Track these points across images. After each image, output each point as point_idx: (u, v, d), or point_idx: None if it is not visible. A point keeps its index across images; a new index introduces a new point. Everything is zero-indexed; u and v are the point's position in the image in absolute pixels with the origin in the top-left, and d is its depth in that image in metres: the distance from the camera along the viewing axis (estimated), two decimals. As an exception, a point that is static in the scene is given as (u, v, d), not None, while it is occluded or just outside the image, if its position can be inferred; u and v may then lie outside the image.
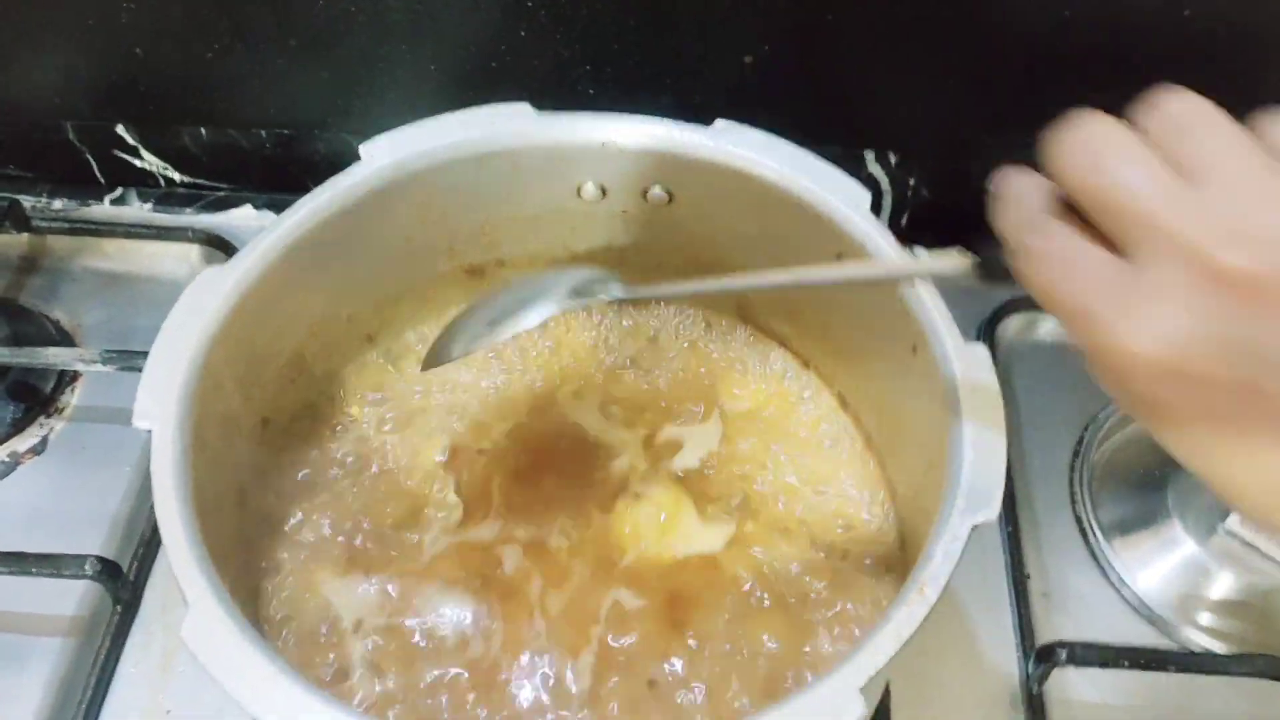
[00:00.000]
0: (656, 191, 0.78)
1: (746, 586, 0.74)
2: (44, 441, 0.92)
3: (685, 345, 0.87)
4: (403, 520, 0.76)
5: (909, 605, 0.56)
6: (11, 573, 0.78)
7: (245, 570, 0.70)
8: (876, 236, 0.70)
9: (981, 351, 0.65)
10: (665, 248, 0.82)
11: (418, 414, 0.81)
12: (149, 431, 0.61)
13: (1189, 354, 0.40)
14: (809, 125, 0.79)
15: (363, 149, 0.73)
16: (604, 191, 0.79)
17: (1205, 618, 0.85)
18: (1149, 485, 0.91)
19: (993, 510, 0.59)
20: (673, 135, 0.74)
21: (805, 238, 0.74)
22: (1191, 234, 0.40)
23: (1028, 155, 0.99)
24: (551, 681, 0.70)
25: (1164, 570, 0.87)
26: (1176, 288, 0.40)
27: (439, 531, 0.76)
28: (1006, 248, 0.48)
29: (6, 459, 0.91)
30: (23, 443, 0.92)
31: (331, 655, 0.70)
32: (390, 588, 0.73)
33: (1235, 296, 0.39)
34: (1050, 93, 0.95)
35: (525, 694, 0.69)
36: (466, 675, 0.70)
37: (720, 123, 0.75)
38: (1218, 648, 0.83)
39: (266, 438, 0.74)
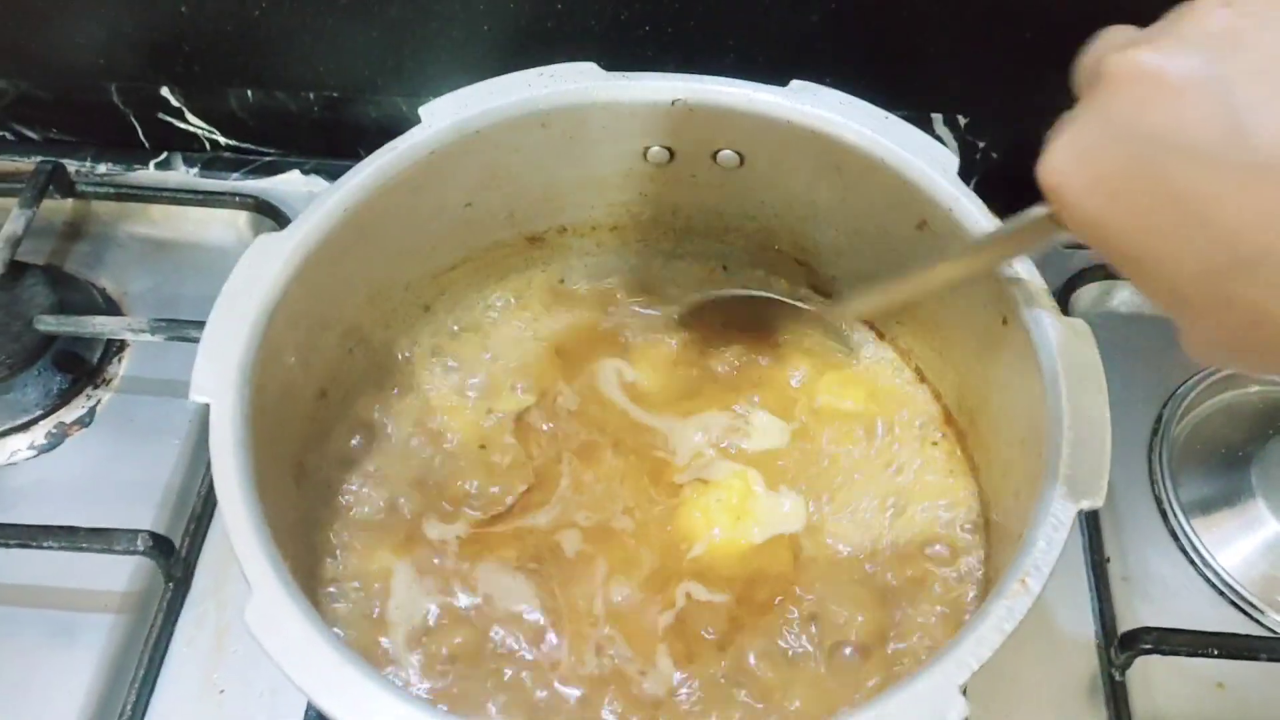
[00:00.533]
0: (727, 154, 0.75)
1: (824, 572, 0.71)
2: (91, 413, 0.90)
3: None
4: (461, 498, 0.73)
5: (1010, 598, 0.53)
6: (62, 547, 0.76)
7: (304, 547, 0.68)
8: (965, 201, 0.67)
9: (1082, 326, 0.62)
10: (735, 214, 0.79)
11: (479, 388, 0.79)
12: (206, 405, 0.58)
13: (1098, 162, 0.44)
14: (876, 86, 0.76)
15: (423, 110, 0.70)
16: (672, 154, 0.76)
17: (1292, 600, 0.81)
18: (1231, 462, 0.87)
19: (1099, 496, 0.56)
20: (746, 95, 0.71)
21: (886, 204, 0.70)
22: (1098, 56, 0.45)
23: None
24: (619, 674, 0.67)
25: (1247, 551, 0.84)
26: (1087, 109, 0.45)
27: (498, 510, 0.73)
28: None
29: (54, 431, 0.89)
30: (70, 414, 0.90)
31: (385, 638, 0.68)
32: (449, 566, 0.71)
33: (1120, 95, 0.43)
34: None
35: (591, 687, 0.67)
36: (528, 659, 0.67)
37: (796, 83, 0.71)
38: (1306, 633, 0.79)
39: (324, 410, 0.71)
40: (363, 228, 0.68)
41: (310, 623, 0.52)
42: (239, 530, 0.54)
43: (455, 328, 0.81)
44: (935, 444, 0.76)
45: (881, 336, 0.81)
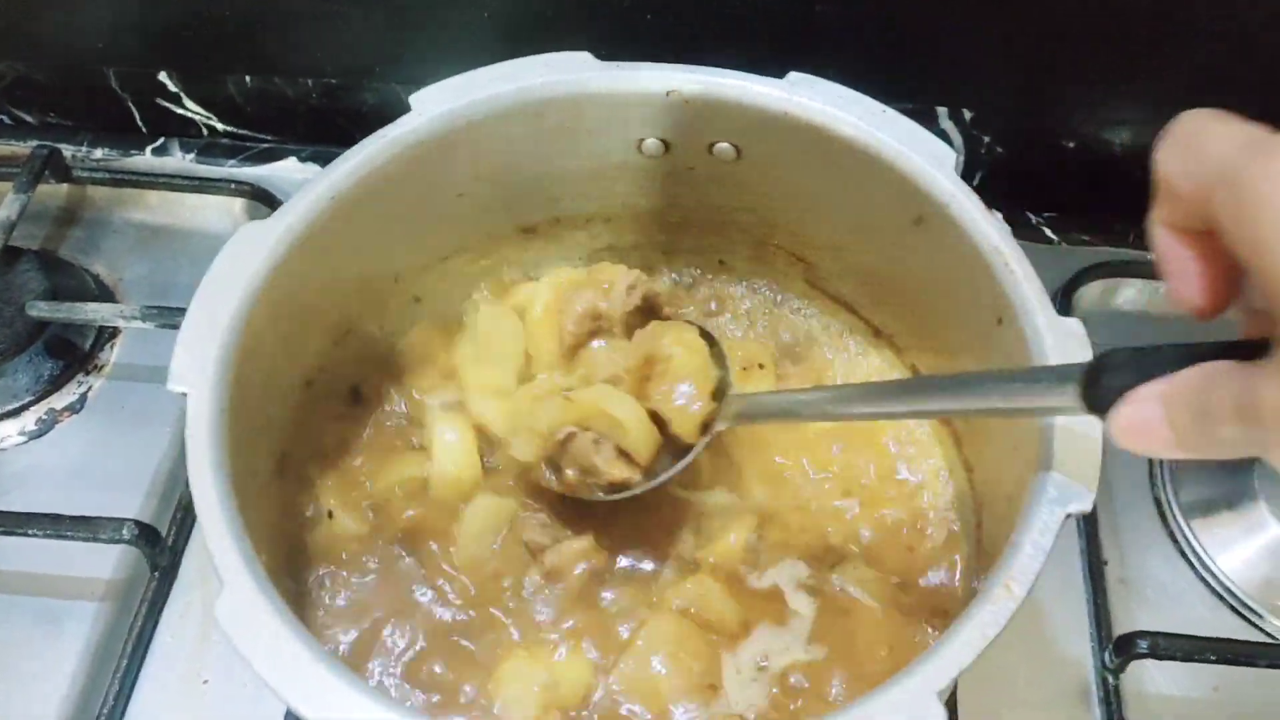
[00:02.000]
0: (723, 147, 0.74)
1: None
2: (82, 399, 0.90)
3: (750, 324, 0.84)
4: (446, 502, 0.73)
5: (994, 603, 0.52)
6: (48, 535, 0.76)
7: (283, 541, 0.67)
8: (962, 198, 0.65)
9: (1076, 327, 0.60)
10: (732, 208, 0.78)
11: (469, 383, 0.77)
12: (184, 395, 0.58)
13: None
14: (880, 79, 0.75)
15: (414, 99, 0.69)
16: (667, 146, 0.74)
17: (1292, 605, 0.80)
18: (1233, 465, 0.86)
19: (1087, 501, 0.54)
20: (742, 86, 0.70)
21: (883, 198, 0.69)
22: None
23: (1103, 113, 0.96)
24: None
25: (1248, 555, 0.82)
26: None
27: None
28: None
29: (44, 416, 0.88)
30: (61, 400, 0.89)
31: (355, 631, 0.68)
32: (423, 568, 0.70)
33: None
34: (1129, 50, 0.91)
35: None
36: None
37: (794, 75, 0.70)
38: (1308, 639, 0.78)
39: (310, 402, 0.71)
40: (350, 217, 0.67)
41: (282, 619, 0.51)
42: (212, 524, 0.53)
43: (447, 322, 0.80)
44: (927, 445, 0.75)
45: (878, 334, 0.80)
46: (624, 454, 0.68)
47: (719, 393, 0.69)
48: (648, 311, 0.75)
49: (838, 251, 0.76)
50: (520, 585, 0.69)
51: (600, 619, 0.69)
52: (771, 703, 0.66)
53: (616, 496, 0.68)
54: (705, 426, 0.68)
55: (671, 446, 0.69)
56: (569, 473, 0.68)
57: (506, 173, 0.74)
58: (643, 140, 0.74)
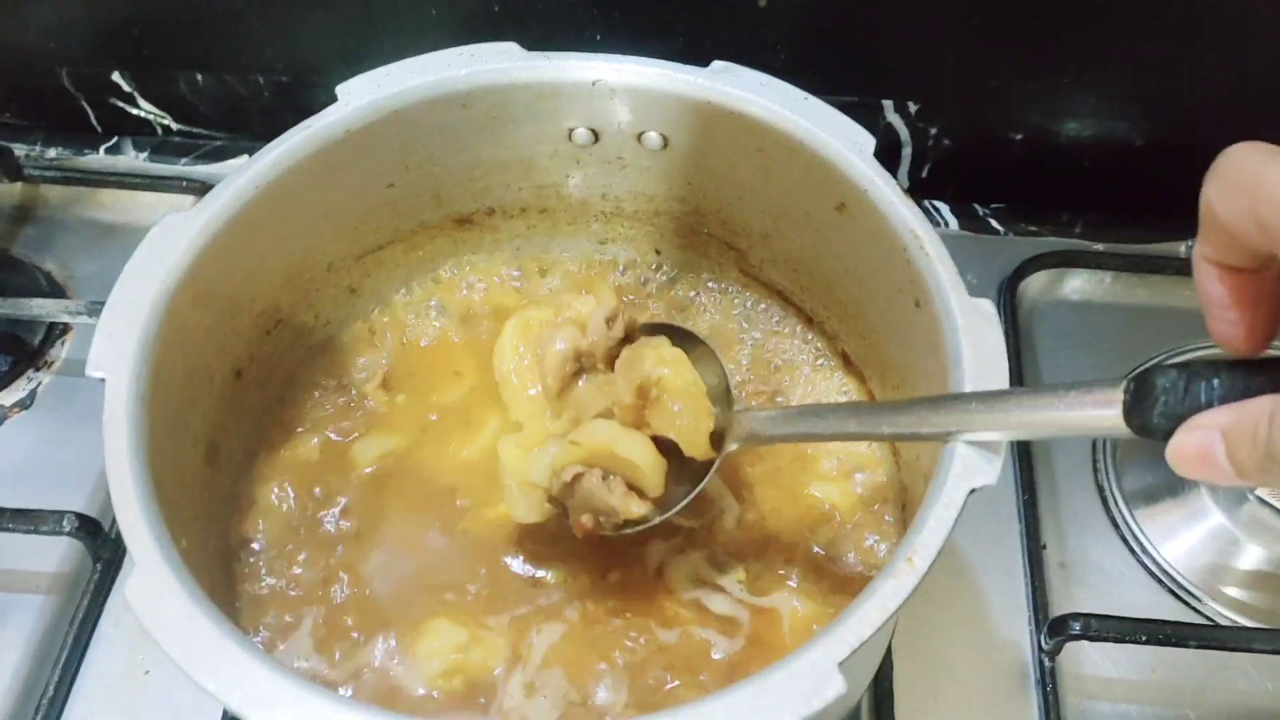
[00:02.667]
0: (651, 136, 0.74)
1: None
2: (32, 395, 0.90)
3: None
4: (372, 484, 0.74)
5: (896, 577, 0.52)
6: (-12, 527, 0.76)
7: (213, 528, 0.68)
8: (880, 182, 0.66)
9: (987, 307, 0.61)
10: (664, 197, 0.79)
11: (402, 377, 0.78)
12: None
13: None
14: (826, 73, 0.75)
15: (340, 89, 0.69)
16: (596, 136, 0.75)
17: (1232, 591, 0.81)
18: (1176, 454, 0.86)
19: (991, 474, 0.54)
20: (665, 75, 0.71)
21: (807, 185, 0.70)
22: None
23: (1050, 104, 0.97)
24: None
25: (1190, 542, 0.83)
26: None
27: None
28: None
29: (-7, 412, 0.89)
30: (9, 396, 0.90)
31: (280, 616, 0.68)
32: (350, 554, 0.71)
33: None
34: (1076, 39, 0.91)
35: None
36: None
37: (717, 64, 0.71)
38: (1245, 623, 0.78)
39: (240, 391, 0.71)
40: (276, 207, 0.68)
41: (192, 598, 0.51)
42: (124, 506, 0.54)
43: (380, 310, 0.81)
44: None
45: (810, 321, 0.80)
46: (634, 488, 0.66)
47: (720, 397, 0.68)
48: (628, 338, 0.71)
49: (766, 239, 0.77)
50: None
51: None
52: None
53: (633, 530, 0.66)
54: (715, 438, 0.66)
55: (675, 465, 0.67)
56: (584, 518, 0.66)
57: (436, 163, 0.75)
58: (573, 130, 0.75)
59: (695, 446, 0.66)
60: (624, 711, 0.64)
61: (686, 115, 0.71)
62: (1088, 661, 0.78)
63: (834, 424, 0.63)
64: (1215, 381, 0.44)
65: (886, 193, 0.65)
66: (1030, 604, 0.80)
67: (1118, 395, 0.48)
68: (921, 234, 0.64)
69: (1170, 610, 0.80)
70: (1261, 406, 0.41)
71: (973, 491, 0.54)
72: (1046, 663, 0.76)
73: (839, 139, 0.67)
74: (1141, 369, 0.48)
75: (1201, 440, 0.43)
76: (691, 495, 0.66)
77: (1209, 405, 0.44)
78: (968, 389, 0.58)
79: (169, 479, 0.59)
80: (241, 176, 0.66)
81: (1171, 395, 0.45)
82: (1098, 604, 0.80)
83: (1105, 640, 0.74)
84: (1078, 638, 0.74)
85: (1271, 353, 0.46)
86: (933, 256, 0.63)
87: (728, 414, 0.67)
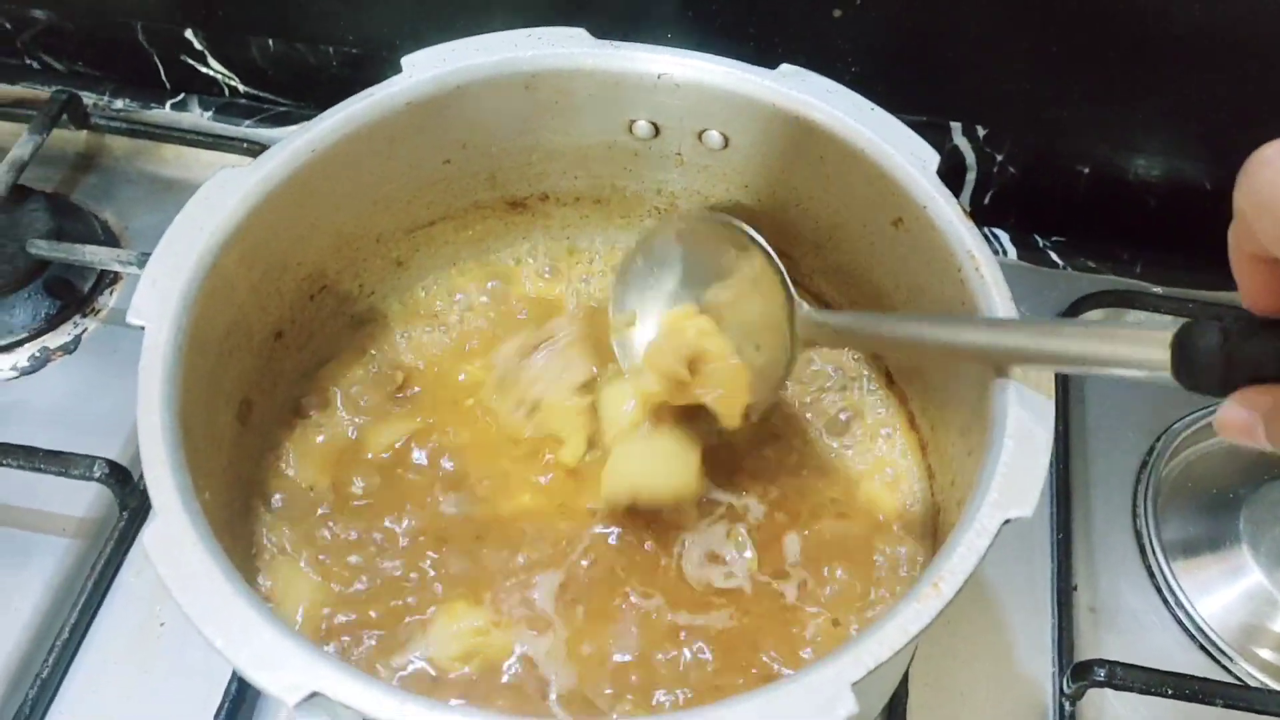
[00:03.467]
0: (712, 135, 0.73)
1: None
2: (76, 340, 0.91)
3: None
4: (399, 460, 0.73)
5: (920, 600, 0.51)
6: (20, 466, 0.77)
7: (239, 486, 0.68)
8: (940, 200, 0.64)
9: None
10: (719, 197, 0.78)
11: (445, 353, 0.78)
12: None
13: None
14: (895, 89, 0.74)
15: (405, 60, 0.69)
16: (657, 130, 0.74)
17: (1265, 653, 0.79)
18: (1221, 506, 0.85)
19: (1027, 506, 0.53)
20: (731, 74, 0.70)
21: (865, 196, 0.69)
22: None
23: (1120, 138, 0.95)
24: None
25: (1226, 599, 0.81)
26: None
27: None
28: None
29: (37, 354, 0.90)
30: (55, 340, 0.91)
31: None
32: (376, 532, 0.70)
33: None
34: (1152, 73, 0.89)
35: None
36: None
37: (785, 67, 0.70)
38: (1276, 686, 0.76)
39: (279, 352, 0.71)
40: (331, 172, 0.67)
41: (208, 551, 0.51)
42: (151, 451, 0.54)
43: (425, 286, 0.81)
44: (896, 447, 0.75)
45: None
46: None
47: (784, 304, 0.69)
48: None
49: (818, 249, 0.76)
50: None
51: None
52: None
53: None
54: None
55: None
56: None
57: (494, 143, 0.75)
58: (634, 122, 0.74)
59: (731, 418, 0.69)
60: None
61: (749, 116, 0.71)
62: (1109, 710, 0.76)
63: (894, 327, 0.67)
64: (1255, 341, 0.46)
65: (946, 211, 0.64)
66: (1055, 645, 0.78)
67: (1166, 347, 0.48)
68: (979, 255, 0.62)
69: (1199, 666, 0.78)
70: None
71: (1007, 522, 0.53)
72: (1067, 706, 0.75)
73: (902, 152, 0.66)
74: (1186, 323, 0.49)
75: (1246, 419, 0.45)
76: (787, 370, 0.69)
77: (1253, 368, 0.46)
78: (1010, 419, 0.56)
79: (199, 431, 0.59)
80: (299, 138, 0.66)
81: (1212, 355, 0.46)
82: (1125, 652, 0.78)
83: (1130, 690, 0.72)
84: (1102, 684, 0.72)
85: None
86: (988, 280, 0.62)
87: (792, 317, 0.68)
